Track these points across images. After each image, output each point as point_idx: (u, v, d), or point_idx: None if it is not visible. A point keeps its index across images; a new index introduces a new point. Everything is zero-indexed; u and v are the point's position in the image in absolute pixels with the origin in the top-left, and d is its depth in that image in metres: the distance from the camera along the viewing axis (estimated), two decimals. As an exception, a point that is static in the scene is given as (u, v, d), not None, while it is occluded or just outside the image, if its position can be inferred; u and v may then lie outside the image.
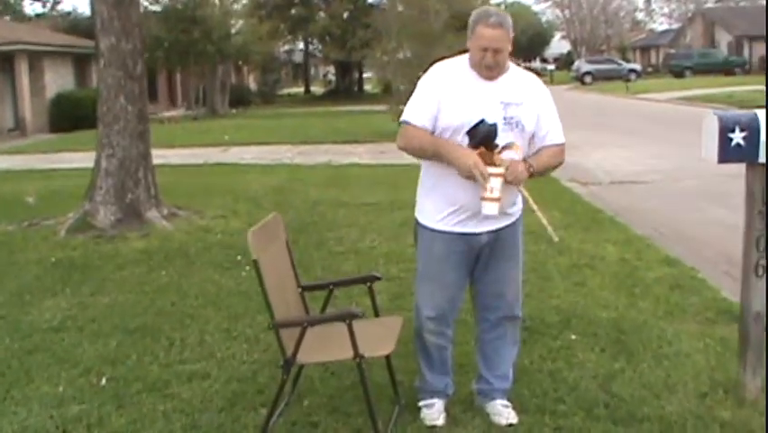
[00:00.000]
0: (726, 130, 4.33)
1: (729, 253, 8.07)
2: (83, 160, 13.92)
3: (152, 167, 10.47)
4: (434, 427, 4.39)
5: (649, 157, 17.07)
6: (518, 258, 4.46)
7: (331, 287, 4.86)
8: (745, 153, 4.36)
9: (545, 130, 4.24)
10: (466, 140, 4.03)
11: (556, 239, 4.44)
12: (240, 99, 44.34)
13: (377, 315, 4.75)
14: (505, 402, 4.54)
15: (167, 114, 36.88)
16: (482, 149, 3.99)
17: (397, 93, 25.66)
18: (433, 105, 4.13)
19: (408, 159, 4.64)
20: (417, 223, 4.40)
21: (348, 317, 4.02)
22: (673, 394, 4.76)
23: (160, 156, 12.83)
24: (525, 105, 4.17)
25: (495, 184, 3.99)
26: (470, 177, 3.99)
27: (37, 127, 29.24)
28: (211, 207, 11.22)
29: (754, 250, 4.49)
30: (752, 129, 4.32)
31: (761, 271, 4.49)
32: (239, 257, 8.05)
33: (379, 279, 4.85)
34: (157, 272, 7.90)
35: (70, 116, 28.46)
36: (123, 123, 10.03)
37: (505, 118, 4.09)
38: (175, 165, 16.45)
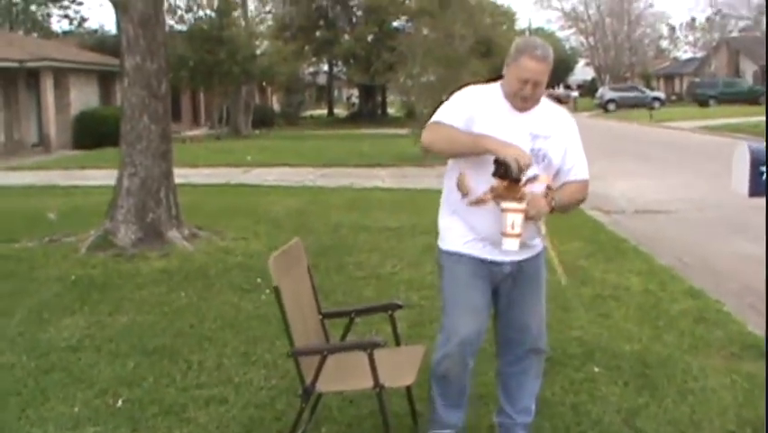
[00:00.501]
0: (757, 163, 4.24)
1: (754, 285, 7.98)
2: (105, 177, 13.94)
3: (174, 187, 10.46)
4: None
5: (673, 186, 16.95)
6: (542, 289, 4.37)
7: (352, 315, 4.79)
8: (776, 187, 4.27)
9: (570, 164, 4.16)
10: (491, 169, 3.93)
11: (564, 282, 4.31)
12: (263, 120, 44.46)
13: (398, 343, 4.68)
14: None
15: (190, 133, 37.05)
16: (507, 182, 3.89)
17: (420, 117, 25.64)
18: (466, 114, 4.03)
19: (430, 183, 4.60)
20: (441, 251, 4.29)
21: (369, 347, 3.96)
22: (699, 432, 4.66)
23: (182, 176, 12.84)
24: (554, 138, 4.10)
25: (516, 219, 3.90)
26: (507, 156, 3.81)
27: (61, 143, 29.43)
28: (232, 229, 11.19)
29: (784, 286, 4.39)
30: (784, 163, 4.23)
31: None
32: (258, 280, 8.01)
33: (400, 307, 4.77)
34: (176, 293, 7.87)
35: (94, 134, 28.62)
36: (146, 142, 10.04)
37: (532, 150, 4.01)
38: (197, 185, 16.48)
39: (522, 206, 3.90)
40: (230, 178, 18.92)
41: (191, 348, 6.20)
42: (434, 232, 4.38)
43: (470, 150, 4.00)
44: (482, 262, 4.15)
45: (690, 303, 7.45)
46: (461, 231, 4.17)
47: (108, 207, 10.24)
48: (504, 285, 4.23)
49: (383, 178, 19.03)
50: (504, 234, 3.94)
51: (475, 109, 4.06)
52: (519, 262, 4.18)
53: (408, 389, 4.50)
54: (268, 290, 7.35)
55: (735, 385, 5.35)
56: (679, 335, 6.48)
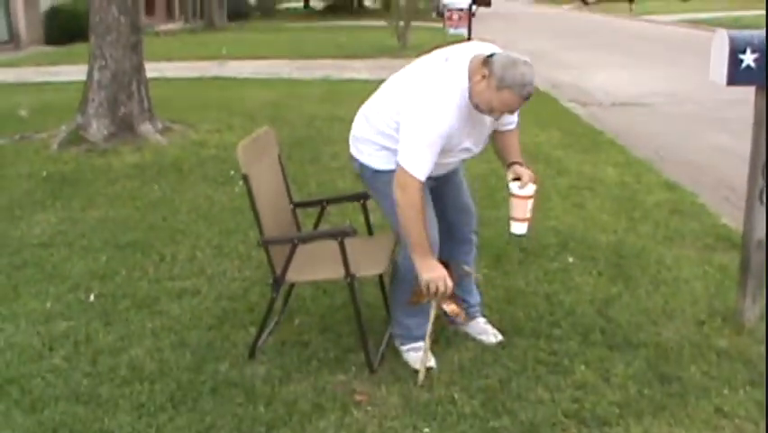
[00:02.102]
0: (736, 51, 4.14)
1: (729, 179, 7.99)
2: (78, 73, 13.64)
3: (146, 80, 10.25)
4: (429, 368, 4.07)
5: (651, 79, 16.83)
6: (462, 170, 4.35)
7: (324, 204, 4.74)
8: (755, 76, 4.18)
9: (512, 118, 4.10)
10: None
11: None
12: (238, 13, 43.65)
13: (371, 233, 4.64)
14: (485, 319, 4.49)
15: (164, 27, 36.29)
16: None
17: (396, 9, 25.25)
18: (439, 149, 3.75)
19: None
20: (378, 171, 4.01)
21: (340, 235, 3.91)
22: (671, 321, 4.68)
23: (155, 69, 12.63)
24: None
25: (530, 206, 4.01)
26: (422, 279, 3.81)
27: (32, 40, 28.76)
28: (206, 122, 11.04)
29: (759, 176, 4.36)
30: (763, 51, 4.14)
31: (765, 198, 4.38)
32: (232, 172, 7.93)
33: (372, 196, 4.71)
34: (149, 187, 7.79)
35: (66, 29, 27.93)
36: (116, 34, 9.79)
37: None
38: (170, 78, 16.21)
39: (531, 191, 3.99)
40: (204, 71, 18.58)
41: (164, 241, 6.16)
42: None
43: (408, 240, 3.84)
44: None
45: (665, 195, 7.45)
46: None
47: (80, 102, 10.06)
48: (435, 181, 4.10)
49: (359, 69, 18.72)
50: (518, 220, 4.03)
51: (445, 138, 3.73)
52: None
53: (381, 278, 4.48)
54: (241, 183, 7.26)
55: (707, 276, 5.37)
56: (653, 226, 6.49)
